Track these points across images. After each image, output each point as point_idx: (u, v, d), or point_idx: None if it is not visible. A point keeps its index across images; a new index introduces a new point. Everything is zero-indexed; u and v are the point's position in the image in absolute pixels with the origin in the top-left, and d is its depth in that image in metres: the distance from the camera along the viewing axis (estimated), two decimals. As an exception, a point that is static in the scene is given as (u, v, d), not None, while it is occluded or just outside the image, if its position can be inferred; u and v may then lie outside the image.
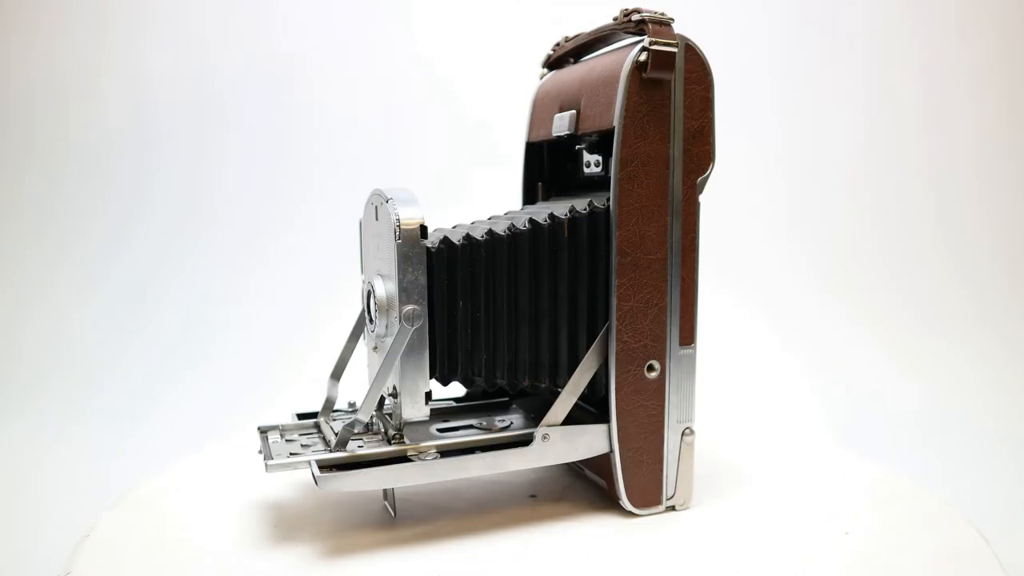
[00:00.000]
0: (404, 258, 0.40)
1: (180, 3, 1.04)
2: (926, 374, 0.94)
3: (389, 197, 0.41)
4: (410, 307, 0.40)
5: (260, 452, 0.43)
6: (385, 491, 0.46)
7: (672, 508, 0.45)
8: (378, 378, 0.41)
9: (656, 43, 0.41)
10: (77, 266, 1.03)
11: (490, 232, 0.43)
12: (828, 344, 0.97)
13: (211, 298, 1.01)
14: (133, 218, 1.04)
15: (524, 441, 0.43)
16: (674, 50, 0.41)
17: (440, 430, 0.46)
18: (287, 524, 0.44)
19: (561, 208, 0.44)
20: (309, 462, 0.40)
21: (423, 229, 0.41)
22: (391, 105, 1.05)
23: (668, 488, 0.45)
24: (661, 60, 0.41)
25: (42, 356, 0.99)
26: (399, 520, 0.45)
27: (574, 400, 0.44)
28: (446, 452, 0.42)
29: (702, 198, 0.44)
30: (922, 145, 1.02)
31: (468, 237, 0.43)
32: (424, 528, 0.44)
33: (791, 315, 0.98)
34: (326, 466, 0.40)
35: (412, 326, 0.40)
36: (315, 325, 0.95)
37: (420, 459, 0.42)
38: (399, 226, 0.40)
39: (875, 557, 0.41)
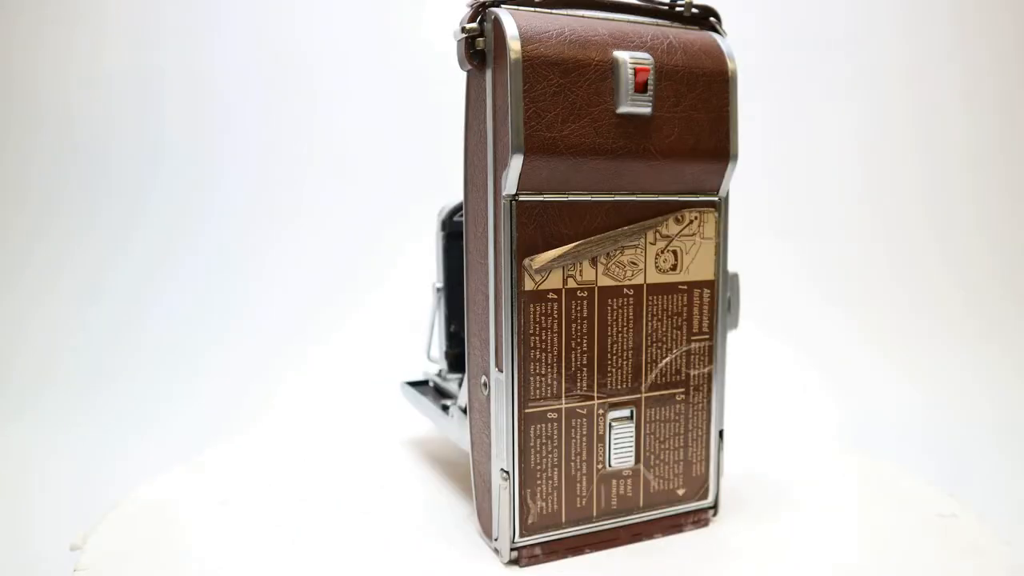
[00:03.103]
0: (436, 241, 0.52)
1: (185, 10, 1.03)
2: (929, 378, 0.95)
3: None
4: (435, 281, 0.52)
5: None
6: None
7: (496, 552, 0.39)
8: (427, 330, 0.54)
9: (459, 33, 0.38)
10: (78, 271, 1.02)
11: None
12: (830, 349, 0.98)
13: (210, 303, 0.99)
14: (133, 223, 1.03)
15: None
16: (465, 35, 0.37)
17: None
18: (286, 524, 0.44)
19: None
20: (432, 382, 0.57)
21: (443, 223, 0.51)
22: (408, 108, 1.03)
23: (494, 527, 0.39)
24: (459, 50, 0.37)
25: (42, 359, 0.98)
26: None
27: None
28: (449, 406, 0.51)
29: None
30: (920, 157, 1.04)
31: None
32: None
33: (795, 323, 0.99)
34: (416, 383, 0.56)
35: (434, 293, 0.52)
36: (318, 326, 0.97)
37: (441, 403, 0.52)
38: (438, 218, 0.52)
39: (882, 557, 0.40)
